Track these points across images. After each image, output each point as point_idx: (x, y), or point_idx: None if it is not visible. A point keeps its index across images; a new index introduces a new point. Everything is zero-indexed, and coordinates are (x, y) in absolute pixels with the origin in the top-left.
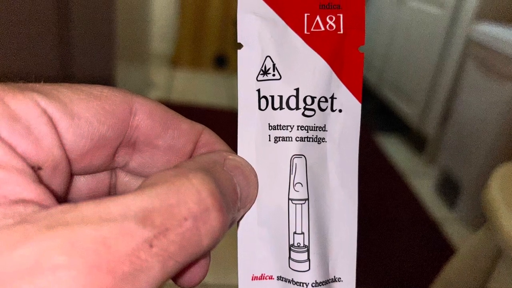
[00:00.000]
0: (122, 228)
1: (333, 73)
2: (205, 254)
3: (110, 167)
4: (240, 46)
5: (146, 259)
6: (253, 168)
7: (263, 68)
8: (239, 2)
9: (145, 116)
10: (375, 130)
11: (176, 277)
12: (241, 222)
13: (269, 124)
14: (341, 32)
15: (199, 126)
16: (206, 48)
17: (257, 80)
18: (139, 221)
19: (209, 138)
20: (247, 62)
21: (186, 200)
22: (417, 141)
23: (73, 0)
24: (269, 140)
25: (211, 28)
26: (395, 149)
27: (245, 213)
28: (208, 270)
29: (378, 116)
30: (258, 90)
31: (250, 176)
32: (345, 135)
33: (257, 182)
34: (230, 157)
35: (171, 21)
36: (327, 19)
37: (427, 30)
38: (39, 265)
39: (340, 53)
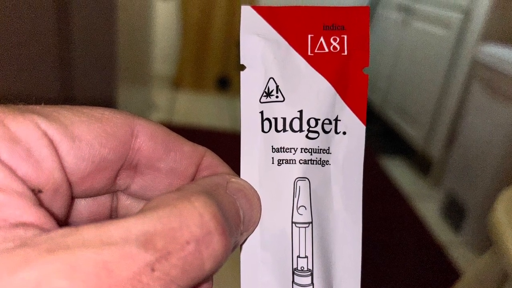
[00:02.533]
0: (123, 252)
1: (337, 95)
2: (208, 278)
3: (111, 190)
4: (243, 67)
5: (148, 283)
6: (256, 191)
7: (266, 90)
8: (242, 23)
9: (146, 139)
10: (379, 152)
11: None
12: (244, 245)
13: (272, 146)
14: (345, 53)
15: (201, 149)
16: (208, 70)
17: (260, 102)
18: (141, 245)
19: (211, 161)
20: (250, 84)
21: (189, 224)
22: (422, 163)
23: (74, 22)
24: (273, 163)
25: (213, 50)
26: (399, 172)
27: (248, 236)
28: None
29: (382, 139)
30: (261, 112)
31: (253, 199)
32: (349, 157)
33: (260, 205)
34: (233, 180)
35: (173, 42)
36: (331, 40)
37: (432, 51)
38: None
39: (344, 75)
